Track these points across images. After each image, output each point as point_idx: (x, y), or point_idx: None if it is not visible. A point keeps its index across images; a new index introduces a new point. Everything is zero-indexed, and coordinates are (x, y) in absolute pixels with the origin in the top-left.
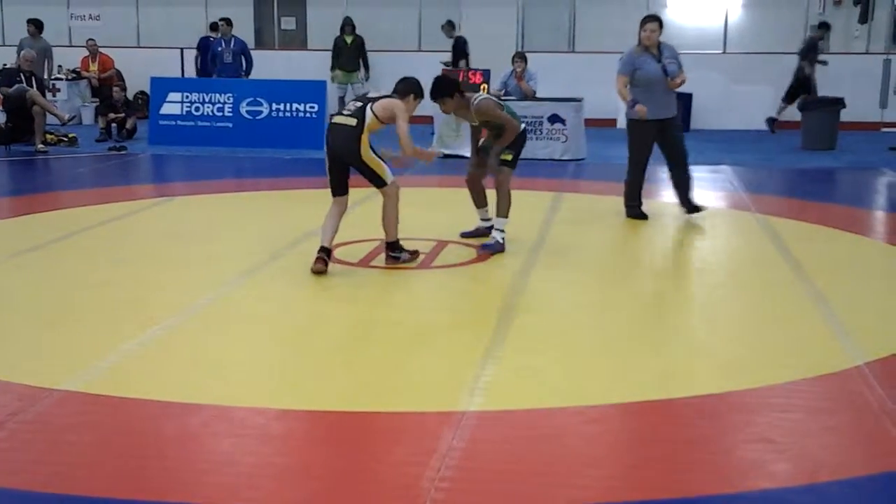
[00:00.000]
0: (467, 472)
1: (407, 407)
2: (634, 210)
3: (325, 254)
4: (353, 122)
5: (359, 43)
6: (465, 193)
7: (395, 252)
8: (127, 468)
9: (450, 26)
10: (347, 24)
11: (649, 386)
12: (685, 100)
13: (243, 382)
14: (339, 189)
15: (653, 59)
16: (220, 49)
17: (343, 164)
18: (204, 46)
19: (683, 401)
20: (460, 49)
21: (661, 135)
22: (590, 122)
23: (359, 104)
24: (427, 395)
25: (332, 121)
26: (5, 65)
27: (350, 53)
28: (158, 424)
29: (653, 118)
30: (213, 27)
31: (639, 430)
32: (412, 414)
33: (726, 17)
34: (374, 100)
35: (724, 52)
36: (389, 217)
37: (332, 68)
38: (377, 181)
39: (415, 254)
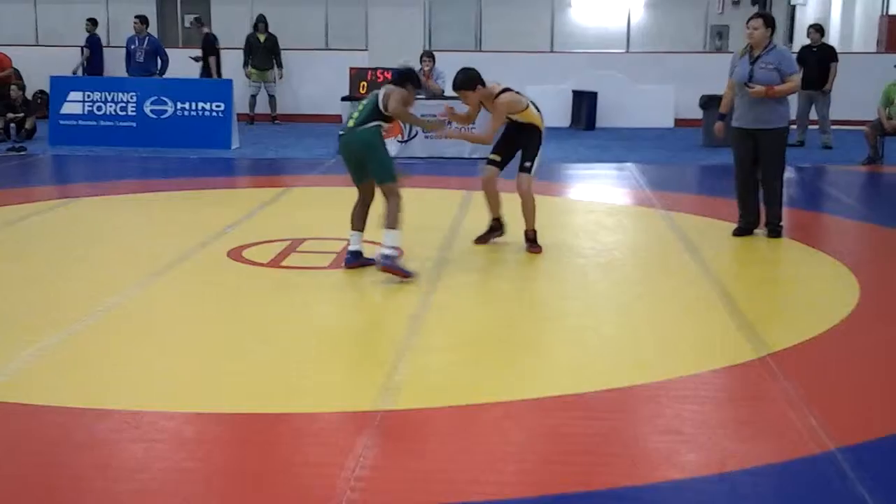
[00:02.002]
0: (382, 472)
1: (320, 408)
2: (740, 223)
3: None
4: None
5: (272, 41)
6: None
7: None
8: (34, 477)
9: (198, 23)
10: (260, 22)
11: (560, 381)
12: (589, 99)
13: (152, 386)
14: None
15: (748, 62)
16: (132, 47)
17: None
18: (93, 44)
19: (593, 395)
20: (210, 45)
21: (755, 146)
22: None
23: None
24: (340, 395)
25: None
26: None
27: (263, 52)
28: (66, 431)
29: (739, 126)
30: (94, 24)
31: (551, 425)
32: (325, 414)
33: (629, 17)
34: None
35: (626, 52)
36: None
37: (245, 65)
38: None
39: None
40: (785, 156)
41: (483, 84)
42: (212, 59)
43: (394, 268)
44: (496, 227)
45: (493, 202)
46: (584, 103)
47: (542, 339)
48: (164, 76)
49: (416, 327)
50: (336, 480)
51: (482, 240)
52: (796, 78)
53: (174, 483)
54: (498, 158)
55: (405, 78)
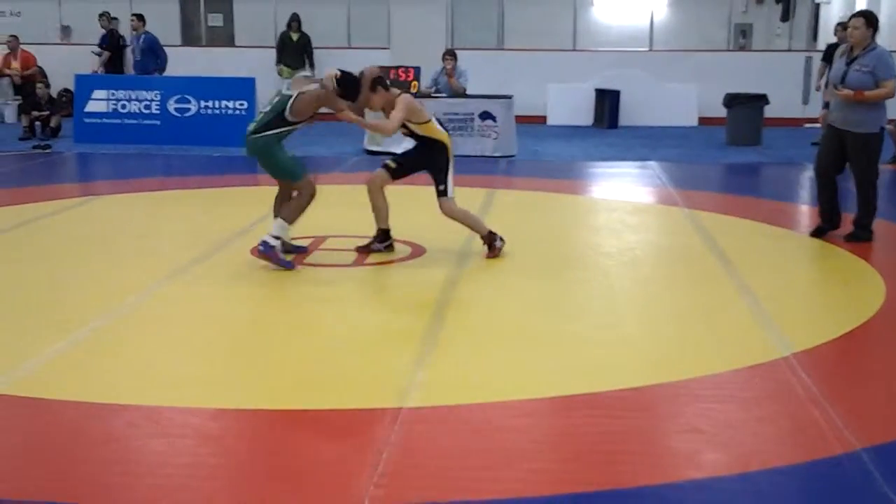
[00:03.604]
0: (405, 468)
1: (343, 404)
2: (819, 223)
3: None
4: None
5: (304, 40)
6: (394, 190)
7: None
8: (55, 471)
9: (106, 18)
10: (294, 21)
11: (580, 380)
12: (612, 97)
13: (175, 383)
14: None
15: (845, 62)
16: (128, 46)
17: None
18: (112, 41)
19: (613, 393)
20: (115, 40)
21: (842, 146)
22: (520, 119)
23: None
24: (363, 392)
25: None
26: None
27: (295, 50)
28: (88, 426)
29: (830, 122)
30: (109, 20)
31: (570, 424)
32: (348, 411)
33: (652, 15)
34: None
35: (650, 50)
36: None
37: (278, 63)
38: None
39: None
40: (877, 161)
41: (386, 88)
42: (105, 55)
43: (271, 256)
44: (382, 238)
45: (379, 210)
46: (607, 102)
47: (564, 337)
48: (164, 74)
49: (438, 325)
50: (359, 477)
51: (363, 249)
52: (890, 84)
53: (196, 479)
54: (394, 165)
55: (341, 84)
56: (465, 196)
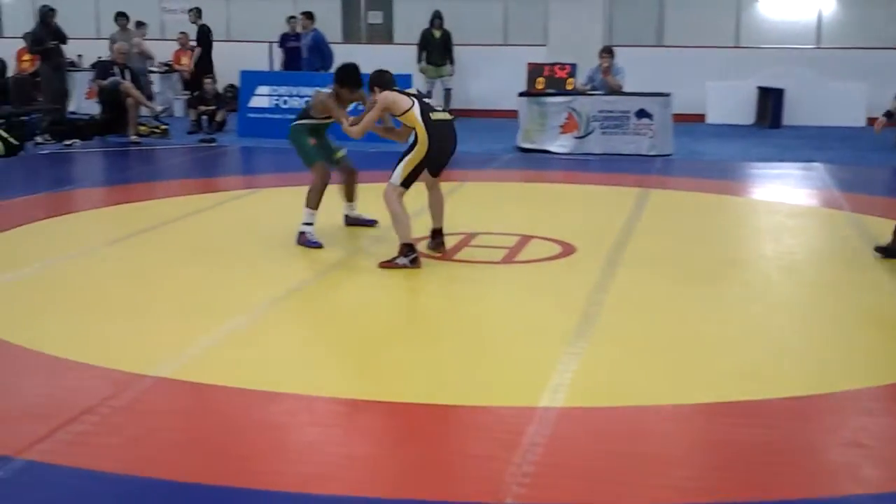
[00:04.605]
0: (549, 468)
1: (489, 402)
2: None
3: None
4: (450, 116)
5: (447, 37)
6: (546, 188)
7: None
8: (212, 454)
9: (196, 14)
10: (436, 18)
11: (733, 386)
12: (775, 95)
13: (327, 373)
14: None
15: None
16: (294, 44)
17: (447, 161)
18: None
19: (768, 402)
20: (205, 36)
21: None
22: (677, 117)
23: (437, 101)
24: (509, 390)
25: (435, 118)
26: (100, 58)
27: (438, 47)
28: (244, 412)
29: None
30: (311, 18)
31: (721, 431)
32: (494, 408)
33: (819, 11)
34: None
35: (816, 47)
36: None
37: (419, 61)
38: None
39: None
40: None
41: (358, 86)
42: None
43: (301, 241)
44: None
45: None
46: (770, 100)
47: (718, 342)
48: (329, 71)
49: (587, 325)
50: (503, 474)
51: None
52: None
53: (345, 468)
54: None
55: (338, 78)
56: (617, 195)
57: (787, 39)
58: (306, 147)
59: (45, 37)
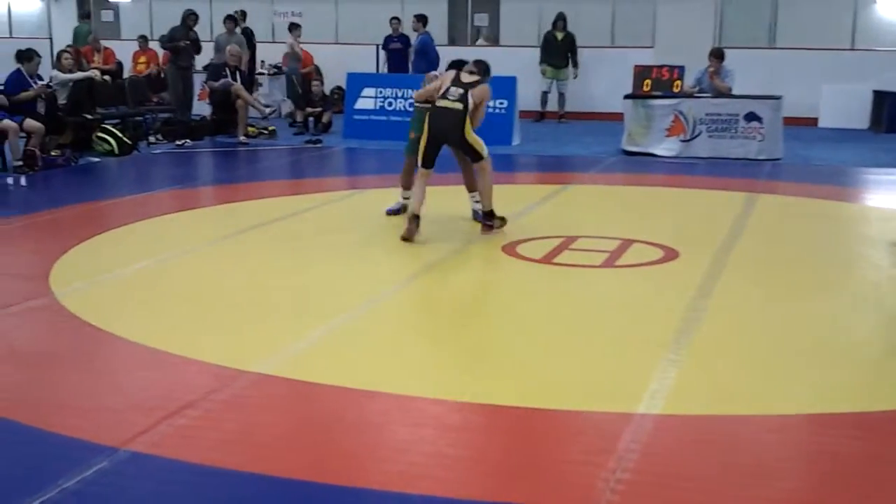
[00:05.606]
0: (644, 476)
1: (585, 406)
2: None
3: (417, 221)
4: (459, 106)
5: (569, 39)
6: (650, 192)
7: (489, 220)
8: (308, 451)
9: (240, 16)
10: (559, 20)
11: (844, 397)
12: (892, 100)
13: (423, 373)
14: (432, 163)
15: None
16: (397, 45)
17: (442, 144)
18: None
19: (875, 414)
20: (248, 40)
21: None
22: (788, 121)
23: (461, 90)
24: (606, 395)
25: (439, 105)
26: (212, 60)
27: (559, 49)
28: (341, 410)
29: None
30: (424, 22)
31: (831, 443)
32: (590, 413)
33: None
34: (470, 84)
35: None
36: (488, 188)
37: (541, 62)
38: (475, 156)
39: (503, 220)
40: None
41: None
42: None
43: (481, 220)
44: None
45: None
46: (887, 104)
47: (823, 352)
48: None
49: (688, 331)
50: (596, 480)
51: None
52: None
53: (437, 468)
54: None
55: (488, 71)
56: (723, 200)
57: None
58: (411, 132)
59: (181, 37)
